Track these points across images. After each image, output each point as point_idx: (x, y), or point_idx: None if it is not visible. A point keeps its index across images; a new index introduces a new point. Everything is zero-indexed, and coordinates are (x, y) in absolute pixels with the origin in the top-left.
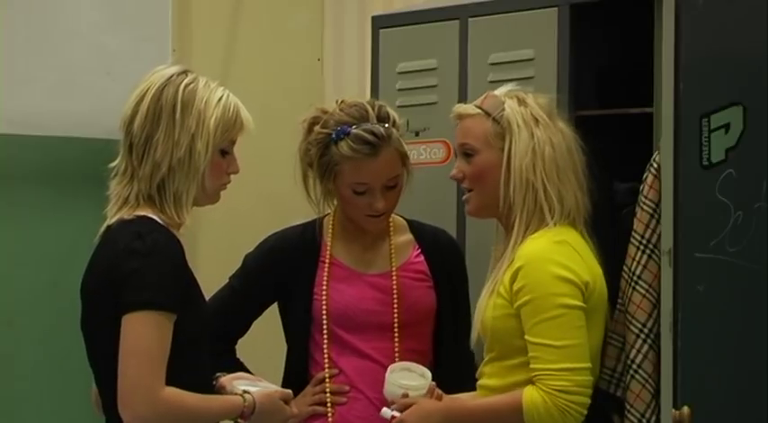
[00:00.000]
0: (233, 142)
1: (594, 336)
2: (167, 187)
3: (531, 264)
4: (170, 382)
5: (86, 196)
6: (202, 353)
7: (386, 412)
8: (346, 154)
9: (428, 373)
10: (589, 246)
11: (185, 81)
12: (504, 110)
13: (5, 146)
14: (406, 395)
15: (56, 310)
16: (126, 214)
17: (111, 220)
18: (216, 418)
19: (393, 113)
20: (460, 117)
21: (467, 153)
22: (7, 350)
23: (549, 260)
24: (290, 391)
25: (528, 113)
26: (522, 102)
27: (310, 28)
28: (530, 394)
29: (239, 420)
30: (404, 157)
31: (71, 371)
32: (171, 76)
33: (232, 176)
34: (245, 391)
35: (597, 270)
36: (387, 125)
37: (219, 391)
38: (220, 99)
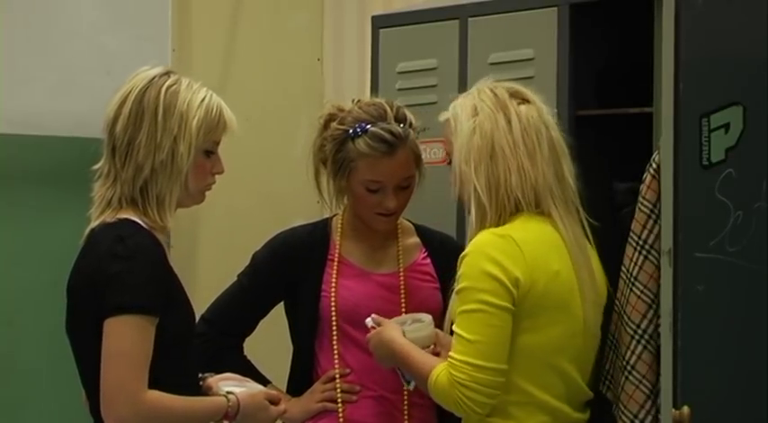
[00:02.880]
0: (217, 143)
1: (545, 336)
2: (150, 190)
3: (468, 255)
4: (156, 383)
5: (86, 196)
6: (188, 354)
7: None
8: (363, 151)
9: (429, 318)
10: (563, 237)
11: (168, 83)
12: (452, 108)
13: (5, 146)
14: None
15: (56, 310)
16: (108, 217)
17: (94, 224)
18: (200, 420)
19: (410, 115)
20: (443, 126)
21: (448, 159)
22: (7, 350)
23: (483, 254)
24: (275, 392)
25: (470, 105)
26: (472, 95)
27: (310, 28)
28: (440, 370)
29: (224, 422)
30: (418, 159)
31: (71, 370)
32: (153, 78)
33: (233, 176)
34: (228, 392)
35: (545, 267)
36: (404, 126)
37: (206, 391)
38: (203, 100)
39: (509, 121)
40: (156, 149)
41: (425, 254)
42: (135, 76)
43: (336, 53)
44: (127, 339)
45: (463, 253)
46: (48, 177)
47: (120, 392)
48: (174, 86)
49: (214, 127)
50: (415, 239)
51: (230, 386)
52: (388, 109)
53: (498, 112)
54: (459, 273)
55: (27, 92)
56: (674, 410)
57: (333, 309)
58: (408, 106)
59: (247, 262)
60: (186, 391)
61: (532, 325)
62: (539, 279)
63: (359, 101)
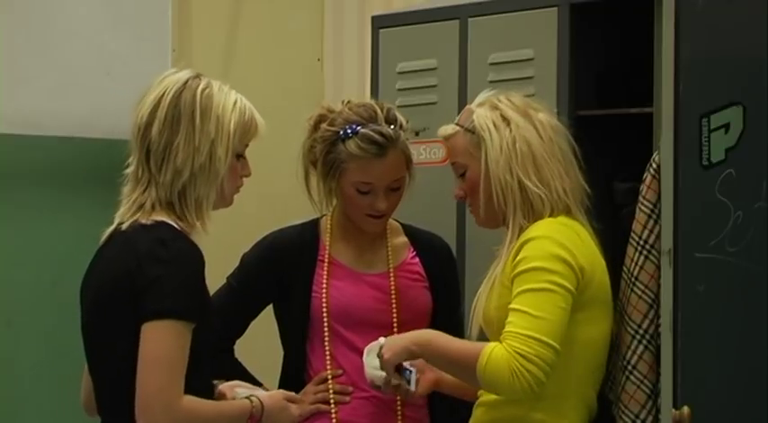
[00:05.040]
0: (247, 146)
1: (599, 330)
2: (188, 194)
3: (534, 239)
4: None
5: (86, 196)
6: (208, 360)
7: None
8: (354, 152)
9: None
10: (592, 237)
11: (201, 86)
12: (473, 120)
13: (5, 146)
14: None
15: (56, 310)
16: (143, 219)
17: (124, 225)
18: None
19: (401, 117)
20: (445, 139)
21: (459, 171)
22: (7, 350)
23: (551, 238)
24: (293, 393)
25: (497, 116)
26: (493, 107)
27: (310, 28)
28: (493, 347)
29: None
30: (408, 161)
31: (70, 371)
32: (187, 81)
33: None
34: (249, 396)
35: (599, 260)
36: (394, 127)
37: (219, 398)
38: (235, 103)
39: (537, 130)
40: (195, 153)
41: (414, 253)
42: (163, 79)
43: (336, 53)
44: (166, 345)
45: (526, 237)
46: (47, 177)
47: (158, 398)
48: (208, 90)
49: (248, 129)
50: (404, 239)
51: (245, 393)
52: (379, 110)
53: (527, 121)
54: (521, 256)
55: (27, 92)
56: (674, 410)
57: (324, 309)
58: (408, 106)
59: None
60: (205, 397)
61: (588, 317)
62: (596, 271)
63: (349, 102)
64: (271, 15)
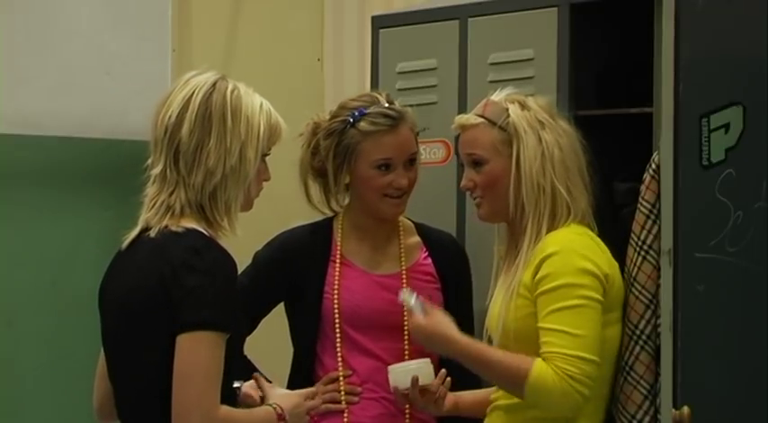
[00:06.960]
0: (270, 149)
1: (618, 329)
2: (218, 196)
3: (556, 254)
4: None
5: (86, 196)
6: (235, 366)
7: (407, 296)
8: (367, 129)
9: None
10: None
11: (229, 87)
12: (509, 116)
13: (5, 146)
14: (416, 378)
15: (56, 311)
16: (172, 225)
17: (152, 232)
18: None
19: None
20: (463, 128)
21: (476, 162)
22: (7, 351)
23: (573, 251)
24: (312, 389)
25: (533, 117)
26: (524, 106)
27: (310, 28)
28: (541, 366)
29: None
30: (416, 139)
31: (71, 371)
32: (215, 83)
33: None
34: (269, 404)
35: (615, 263)
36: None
37: (245, 399)
38: (261, 105)
39: (567, 135)
40: (227, 154)
41: (426, 253)
42: (188, 80)
43: (336, 53)
44: (204, 356)
45: (545, 252)
46: (47, 177)
47: (196, 408)
48: (236, 91)
49: (274, 132)
50: (416, 238)
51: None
52: (378, 94)
53: (557, 126)
54: (545, 272)
55: (27, 92)
56: (674, 410)
57: (336, 311)
58: (408, 106)
59: (248, 262)
60: (231, 403)
61: (610, 319)
62: (616, 274)
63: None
64: (271, 15)
